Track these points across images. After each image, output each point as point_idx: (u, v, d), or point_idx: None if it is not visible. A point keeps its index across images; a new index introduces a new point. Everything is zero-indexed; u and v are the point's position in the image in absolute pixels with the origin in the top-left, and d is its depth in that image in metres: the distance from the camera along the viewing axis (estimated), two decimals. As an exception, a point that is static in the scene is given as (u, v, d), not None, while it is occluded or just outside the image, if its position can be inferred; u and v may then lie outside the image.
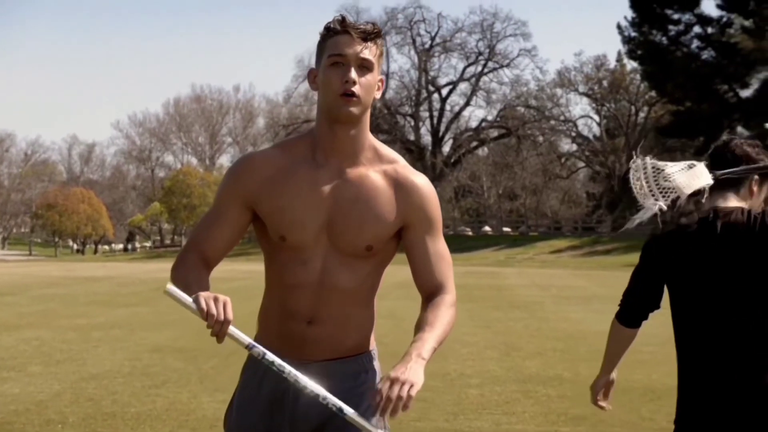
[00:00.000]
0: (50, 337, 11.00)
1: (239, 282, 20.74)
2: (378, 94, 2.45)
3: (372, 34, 2.40)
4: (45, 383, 7.83)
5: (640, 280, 2.97)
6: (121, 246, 73.94)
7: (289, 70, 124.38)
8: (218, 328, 2.17)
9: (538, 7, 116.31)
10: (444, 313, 2.36)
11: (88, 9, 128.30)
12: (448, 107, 64.22)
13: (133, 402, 7.04)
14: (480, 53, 62.29)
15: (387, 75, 62.77)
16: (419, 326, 2.33)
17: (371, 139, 2.48)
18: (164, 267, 35.89)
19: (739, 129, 47.43)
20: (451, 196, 66.52)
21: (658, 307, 2.96)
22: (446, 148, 63.83)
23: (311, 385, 2.19)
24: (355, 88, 2.34)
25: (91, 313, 13.99)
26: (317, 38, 2.44)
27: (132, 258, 53.80)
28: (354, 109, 2.36)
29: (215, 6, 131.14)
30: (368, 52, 2.38)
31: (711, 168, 2.83)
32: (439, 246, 2.49)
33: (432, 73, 63.70)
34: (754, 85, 45.10)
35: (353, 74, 2.34)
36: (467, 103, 63.73)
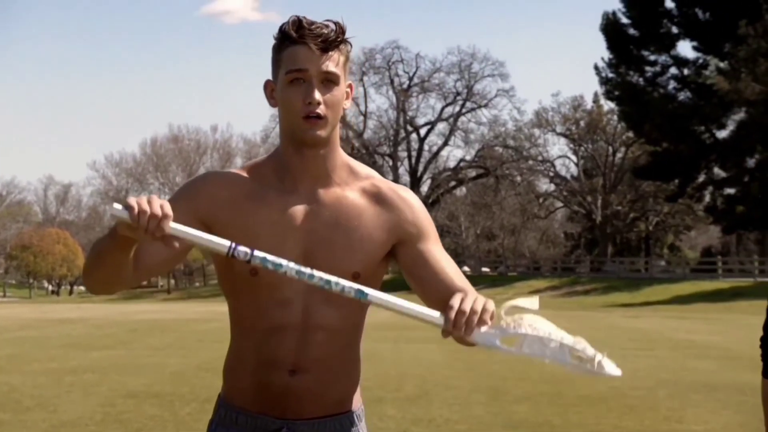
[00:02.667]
0: (20, 382, 10.64)
1: (216, 323, 20.41)
2: (348, 103, 2.14)
3: (335, 42, 2.06)
4: (13, 432, 7.51)
5: None
6: (96, 287, 73.15)
7: (267, 109, 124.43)
8: (155, 223, 1.81)
9: (516, 47, 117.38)
10: None
11: (63, 49, 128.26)
12: (426, 147, 64.37)
13: (106, 452, 6.73)
14: (458, 93, 62.52)
15: (365, 115, 62.90)
16: None
17: (343, 156, 2.18)
18: (141, 308, 35.50)
19: (716, 170, 47.75)
20: (430, 236, 66.28)
21: None
22: (424, 188, 63.78)
23: (317, 273, 1.87)
24: (320, 109, 2.04)
25: (64, 357, 13.62)
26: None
27: (108, 299, 53.15)
28: (321, 132, 2.06)
29: (192, 45, 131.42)
30: (332, 63, 2.06)
31: None
32: (444, 253, 2.18)
33: (410, 113, 63.81)
34: (730, 126, 45.47)
35: (316, 94, 2.03)
36: (445, 143, 63.84)
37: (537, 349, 1.87)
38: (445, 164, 65.72)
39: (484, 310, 1.82)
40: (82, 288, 73.19)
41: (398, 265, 2.18)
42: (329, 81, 2.06)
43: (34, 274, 68.26)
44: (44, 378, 11.01)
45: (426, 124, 64.18)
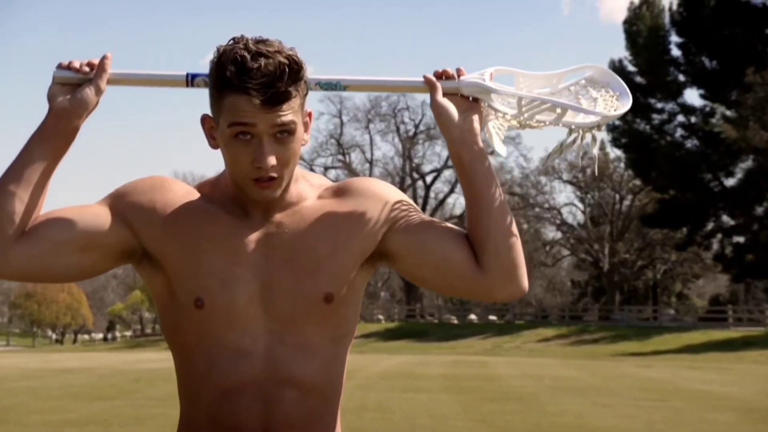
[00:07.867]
0: (19, 434, 10.36)
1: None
2: (307, 137, 1.77)
3: (287, 95, 1.67)
4: (10, 488, 7.21)
5: None
6: (101, 335, 72.84)
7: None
8: (93, 66, 1.79)
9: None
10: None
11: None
12: (432, 194, 64.33)
13: None
14: (464, 141, 62.60)
15: (371, 162, 62.97)
16: None
17: (297, 172, 1.81)
18: (144, 357, 35.10)
19: (725, 218, 47.54)
20: (436, 284, 66.00)
21: None
22: (431, 236, 63.61)
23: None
24: (273, 171, 1.69)
25: (65, 408, 13.30)
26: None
27: (112, 348, 52.85)
28: (275, 192, 1.73)
29: (195, 93, 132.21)
30: (285, 114, 1.68)
31: None
32: (437, 221, 1.98)
33: (416, 161, 63.91)
34: (738, 174, 45.38)
35: (269, 159, 1.68)
36: (451, 191, 63.77)
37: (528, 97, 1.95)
38: (452, 212, 65.56)
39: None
40: (86, 336, 72.83)
41: (398, 266, 1.85)
42: (285, 131, 1.70)
43: (38, 323, 67.97)
44: (44, 430, 10.71)
45: (432, 171, 64.25)
